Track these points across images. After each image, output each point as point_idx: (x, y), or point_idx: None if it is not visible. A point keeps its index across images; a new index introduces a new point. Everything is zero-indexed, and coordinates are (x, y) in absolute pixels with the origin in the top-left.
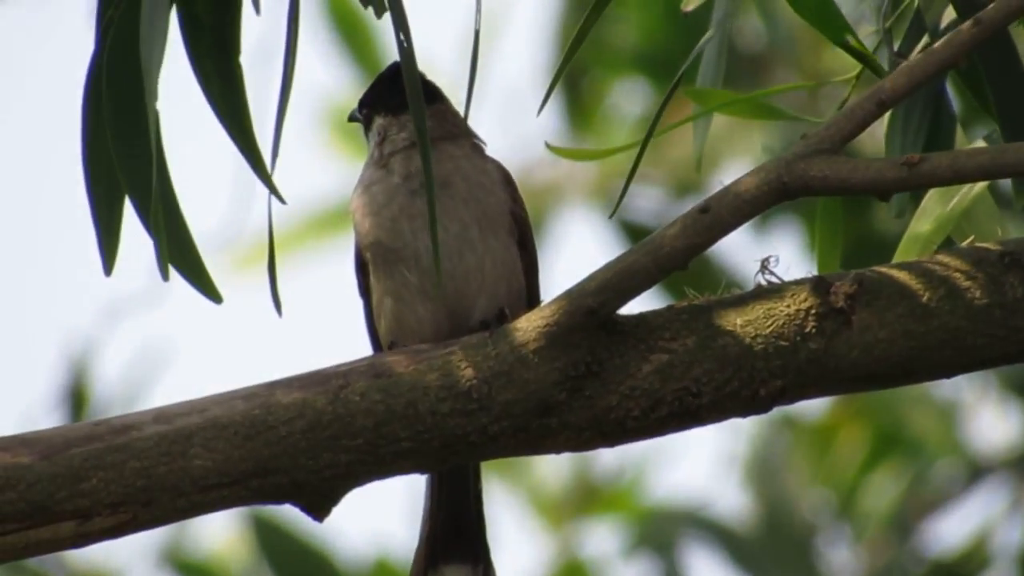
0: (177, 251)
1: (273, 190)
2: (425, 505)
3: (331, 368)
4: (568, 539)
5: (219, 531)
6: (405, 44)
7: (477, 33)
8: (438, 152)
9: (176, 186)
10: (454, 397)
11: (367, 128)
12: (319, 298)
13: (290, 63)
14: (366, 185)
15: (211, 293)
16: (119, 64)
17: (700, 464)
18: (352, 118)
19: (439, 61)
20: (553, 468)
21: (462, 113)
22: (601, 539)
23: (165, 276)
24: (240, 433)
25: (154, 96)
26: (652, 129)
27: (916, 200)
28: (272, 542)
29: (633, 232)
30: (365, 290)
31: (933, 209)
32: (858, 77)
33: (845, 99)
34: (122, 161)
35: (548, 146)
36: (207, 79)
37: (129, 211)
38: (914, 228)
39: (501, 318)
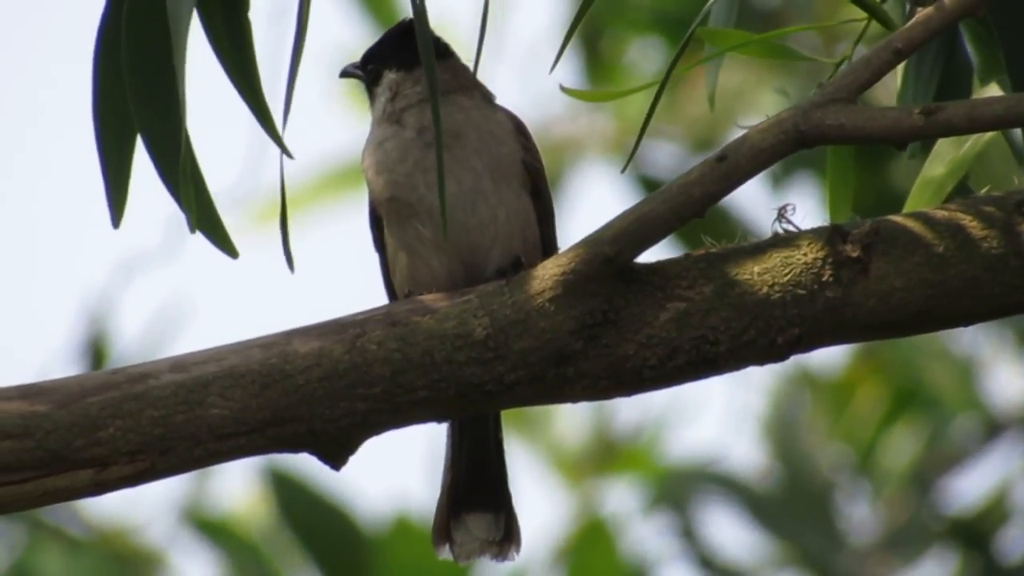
0: (197, 206)
1: (281, 146)
2: (446, 455)
3: (348, 317)
4: (587, 496)
5: (238, 489)
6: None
7: None
8: (450, 104)
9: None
10: (470, 346)
11: (372, 83)
12: (339, 253)
13: (303, 17)
14: (379, 142)
15: (227, 248)
16: (140, 19)
17: (719, 421)
18: (347, 73)
19: (456, 17)
20: (572, 426)
21: (466, 65)
22: (620, 496)
23: (192, 228)
24: (257, 382)
25: (183, 53)
26: (668, 76)
27: (929, 143)
28: (292, 500)
29: (650, 187)
30: (380, 245)
31: (946, 153)
32: (869, 21)
33: (855, 43)
34: (143, 121)
35: (562, 88)
36: (216, 34)
37: (138, 164)
38: (927, 172)
39: (517, 266)
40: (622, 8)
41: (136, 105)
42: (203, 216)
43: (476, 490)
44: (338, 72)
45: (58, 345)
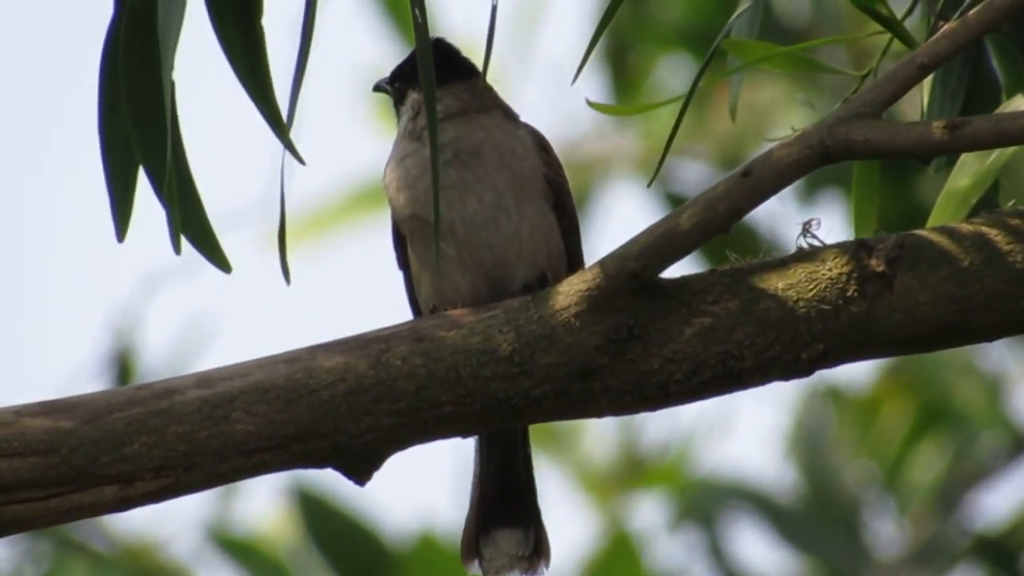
0: (188, 220)
1: (292, 150)
2: (474, 471)
3: (373, 332)
4: (615, 512)
5: (264, 507)
6: (420, 19)
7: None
8: (470, 123)
9: (194, 156)
10: (496, 361)
11: (398, 101)
12: (366, 270)
13: (310, 18)
14: (399, 158)
15: (220, 262)
16: (136, 32)
17: (746, 437)
18: (378, 87)
19: (483, 36)
20: (599, 442)
21: (489, 84)
22: (647, 512)
23: (177, 248)
24: (282, 397)
25: (170, 67)
26: (694, 88)
27: (954, 156)
28: (317, 517)
29: (678, 204)
30: (404, 263)
31: (971, 164)
32: (893, 36)
33: (880, 56)
34: (137, 131)
35: (589, 103)
36: (228, 41)
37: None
38: (952, 184)
39: (543, 281)
40: (649, 26)
41: (131, 121)
42: (197, 231)
43: (505, 505)
44: (368, 90)
45: (85, 361)
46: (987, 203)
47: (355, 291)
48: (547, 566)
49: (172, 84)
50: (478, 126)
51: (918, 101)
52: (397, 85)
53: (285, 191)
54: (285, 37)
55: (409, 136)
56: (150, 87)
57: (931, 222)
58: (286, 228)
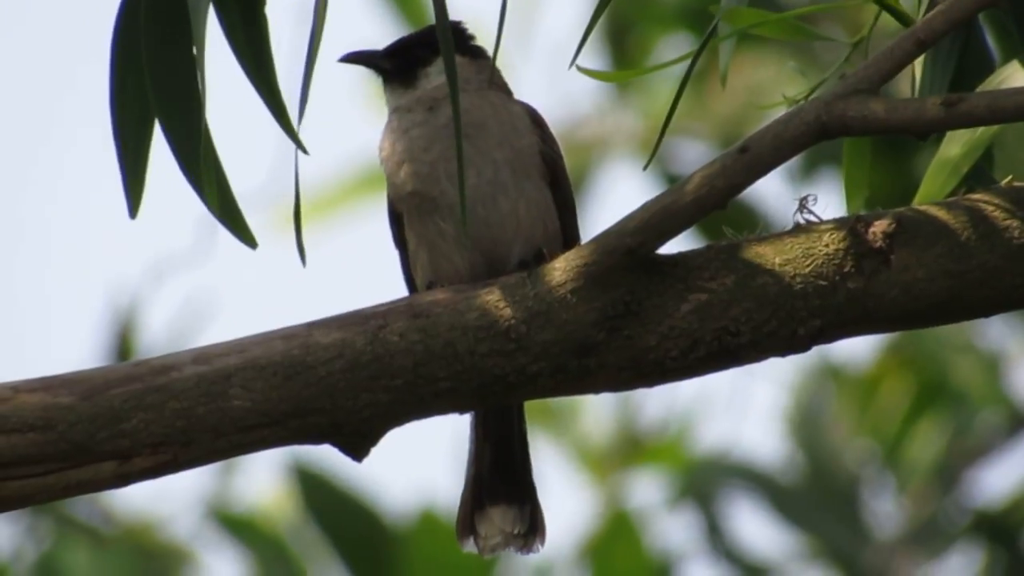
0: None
1: (296, 140)
2: (470, 448)
3: (370, 308)
4: (613, 490)
5: (263, 484)
6: None
7: None
8: (479, 98)
9: (217, 136)
10: (492, 337)
11: (406, 73)
12: (368, 254)
13: (320, 12)
14: (404, 129)
15: (247, 238)
16: (158, 4)
17: (744, 415)
18: (372, 64)
19: (487, 17)
20: (598, 420)
21: (495, 65)
22: (646, 490)
23: (213, 211)
24: (279, 373)
25: (202, 36)
26: (700, 51)
27: None
28: (316, 495)
29: None
30: (400, 241)
31: (962, 134)
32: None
33: (872, 23)
34: (163, 109)
35: (579, 68)
36: (233, 29)
37: (160, 156)
38: (943, 153)
39: (539, 258)
40: (648, 5)
41: (156, 93)
42: (223, 207)
43: (500, 483)
44: (368, 72)
45: (86, 341)
46: (978, 173)
47: (353, 276)
48: (542, 544)
49: (203, 53)
50: (487, 102)
51: (915, 76)
52: (390, 64)
53: (290, 176)
54: (283, 19)
55: (420, 103)
56: (174, 58)
57: (921, 192)
58: (300, 211)
